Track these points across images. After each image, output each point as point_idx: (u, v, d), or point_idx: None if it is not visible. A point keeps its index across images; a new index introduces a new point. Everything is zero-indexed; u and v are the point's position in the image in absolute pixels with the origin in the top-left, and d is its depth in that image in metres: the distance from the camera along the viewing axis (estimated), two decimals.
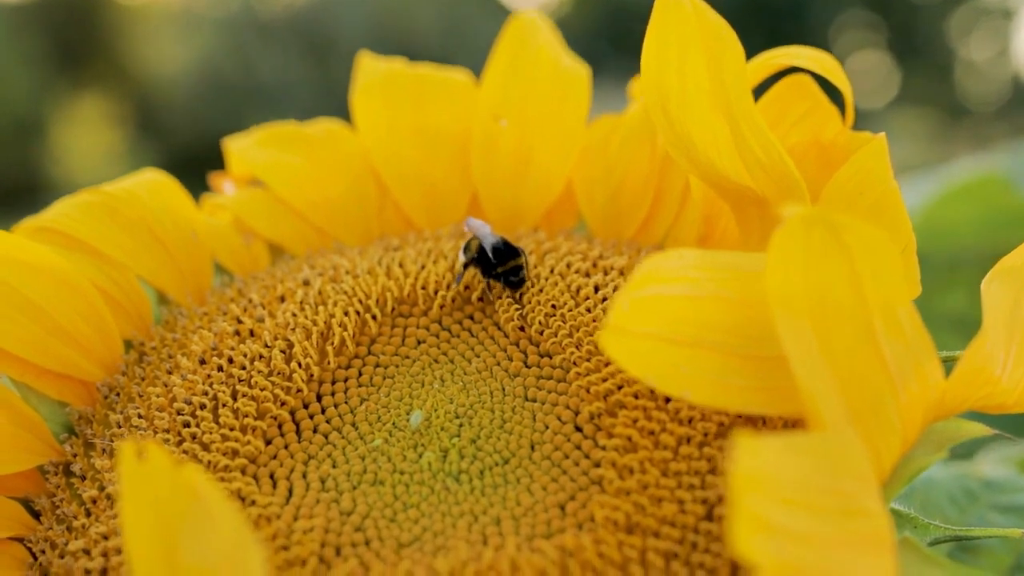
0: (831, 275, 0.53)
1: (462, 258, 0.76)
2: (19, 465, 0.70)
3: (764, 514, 0.46)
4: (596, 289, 0.74)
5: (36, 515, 0.71)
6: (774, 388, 0.57)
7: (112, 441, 0.71)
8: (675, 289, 0.56)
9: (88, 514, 0.68)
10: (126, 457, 0.48)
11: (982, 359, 0.58)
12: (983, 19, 9.86)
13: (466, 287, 0.76)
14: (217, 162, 0.94)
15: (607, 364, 0.68)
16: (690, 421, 0.65)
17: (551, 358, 0.72)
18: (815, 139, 0.74)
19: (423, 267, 0.78)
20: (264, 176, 0.86)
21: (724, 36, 0.65)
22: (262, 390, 0.70)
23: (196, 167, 1.16)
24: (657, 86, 0.69)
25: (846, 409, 0.54)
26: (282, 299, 0.76)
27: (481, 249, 0.75)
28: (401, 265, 0.78)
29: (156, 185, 0.83)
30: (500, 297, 0.75)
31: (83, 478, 0.70)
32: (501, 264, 0.74)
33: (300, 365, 0.71)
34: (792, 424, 0.64)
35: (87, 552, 0.66)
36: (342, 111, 0.92)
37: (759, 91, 0.75)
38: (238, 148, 0.88)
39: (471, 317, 0.76)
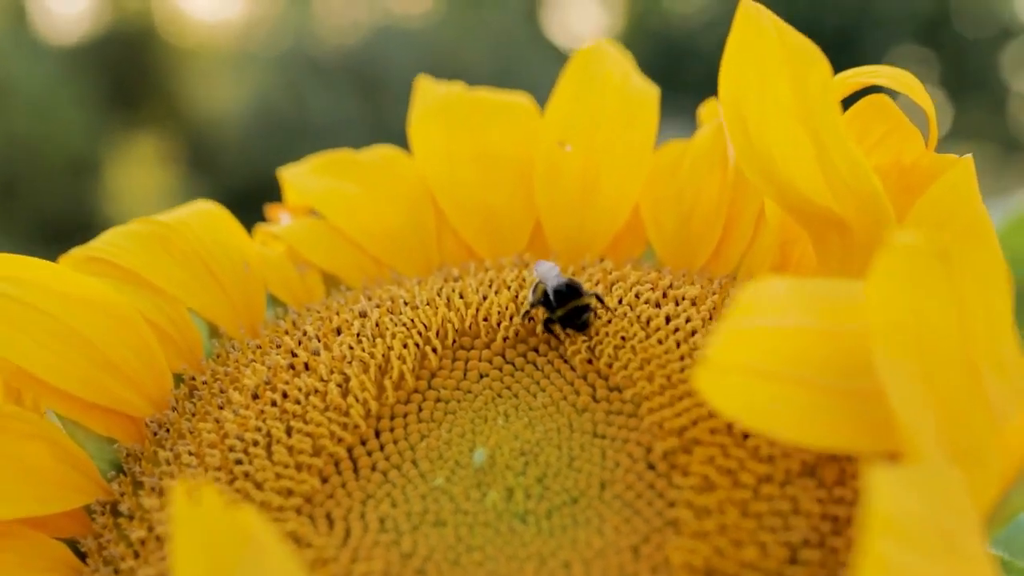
0: (939, 306, 0.50)
1: (531, 299, 0.73)
2: (65, 504, 0.67)
3: (890, 556, 0.43)
4: (667, 320, 0.70)
5: (82, 556, 0.68)
6: (864, 423, 0.53)
7: (161, 479, 0.68)
8: (769, 321, 0.53)
9: (136, 556, 0.65)
10: (178, 497, 0.45)
11: None
12: None
13: (530, 319, 0.73)
14: (271, 199, 0.91)
15: (681, 399, 0.65)
16: (771, 459, 0.61)
17: (621, 392, 0.68)
18: (896, 161, 0.70)
19: (485, 298, 0.74)
20: (318, 204, 0.83)
21: (809, 51, 0.62)
22: (318, 426, 0.67)
23: (249, 205, 1.14)
24: (736, 102, 0.66)
25: (947, 445, 0.50)
26: (338, 331, 0.73)
27: (545, 292, 0.72)
28: (462, 296, 0.75)
29: (208, 216, 0.80)
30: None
31: (131, 518, 0.67)
32: (561, 306, 0.70)
33: (357, 400, 0.68)
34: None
35: None
36: None
37: None
38: (292, 176, 0.86)
39: (536, 350, 0.72)
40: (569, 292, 0.71)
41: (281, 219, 0.86)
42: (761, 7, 0.65)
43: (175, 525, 0.45)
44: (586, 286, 0.73)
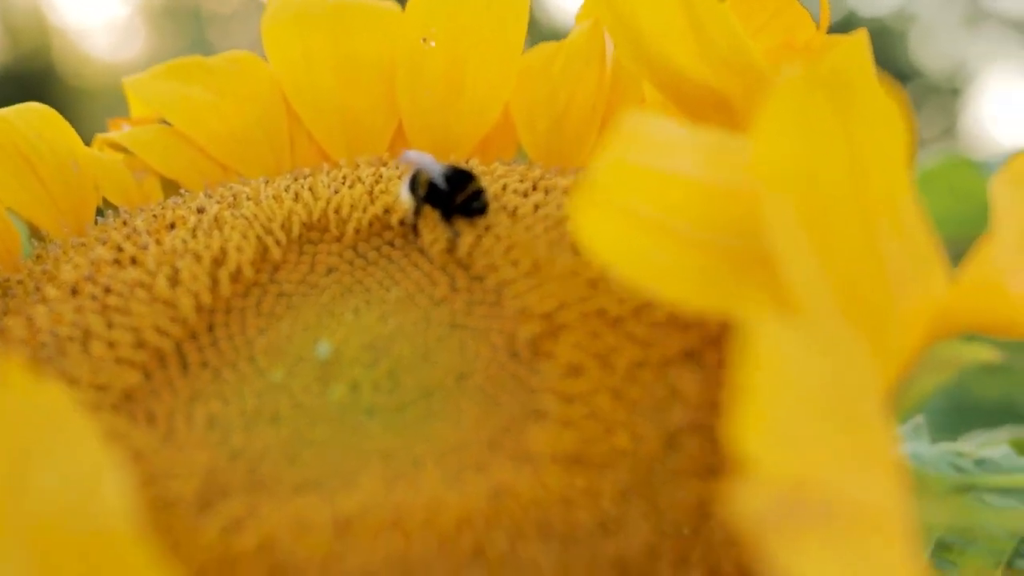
0: (830, 149, 0.44)
1: (408, 197, 0.65)
2: None
3: (780, 421, 0.36)
4: (536, 208, 0.63)
5: None
6: (749, 288, 0.47)
7: None
8: (659, 163, 0.46)
9: None
10: None
11: (991, 268, 0.48)
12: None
13: (385, 211, 0.66)
14: None
15: (547, 283, 0.58)
16: (647, 343, 0.55)
17: (483, 280, 0.61)
18: (787, 43, 0.65)
19: (336, 192, 0.67)
20: (163, 109, 0.77)
21: None
22: (141, 319, 0.60)
23: None
24: None
25: (842, 308, 0.44)
26: (171, 226, 0.66)
27: (431, 184, 0.64)
28: (311, 190, 0.68)
29: (34, 113, 0.73)
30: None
31: None
32: (459, 192, 0.63)
33: (189, 292, 0.61)
34: None
35: None
36: None
37: None
38: (137, 83, 0.79)
39: (391, 244, 0.65)
40: (460, 176, 0.64)
41: (123, 128, 0.80)
42: None
43: None
44: None
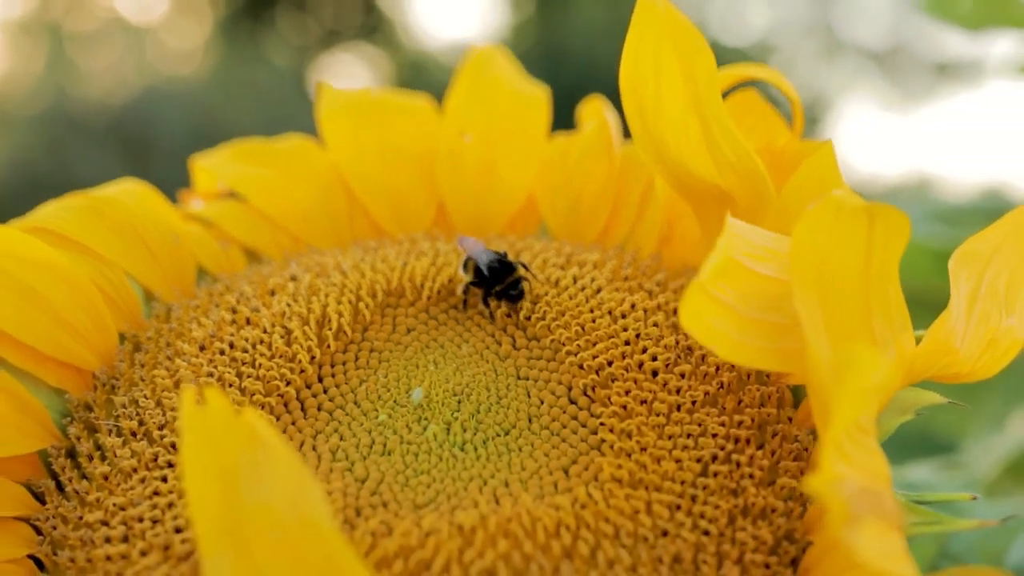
0: (851, 251, 0.60)
1: (463, 276, 0.80)
2: (21, 448, 0.72)
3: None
4: (575, 280, 0.79)
5: (37, 498, 0.72)
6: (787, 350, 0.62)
7: (119, 421, 0.73)
8: (751, 263, 0.62)
9: (101, 489, 0.70)
10: (186, 401, 0.48)
11: (945, 332, 0.65)
12: None
13: (449, 280, 0.81)
14: None
15: (595, 343, 0.74)
16: (678, 391, 0.71)
17: (539, 341, 0.77)
18: (767, 146, 0.80)
19: (405, 263, 0.82)
20: (239, 187, 0.89)
21: (695, 41, 0.71)
22: (268, 371, 0.74)
23: None
24: (634, 90, 0.75)
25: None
26: (272, 293, 0.79)
27: (478, 269, 0.79)
28: (384, 261, 0.82)
29: (138, 191, 0.86)
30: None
31: (91, 458, 0.72)
32: (498, 283, 0.78)
33: (302, 347, 0.75)
34: None
35: (106, 523, 0.68)
36: None
37: None
38: (209, 164, 0.92)
39: (456, 307, 0.81)
40: (502, 268, 0.78)
41: (193, 203, 0.92)
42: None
43: (183, 427, 0.48)
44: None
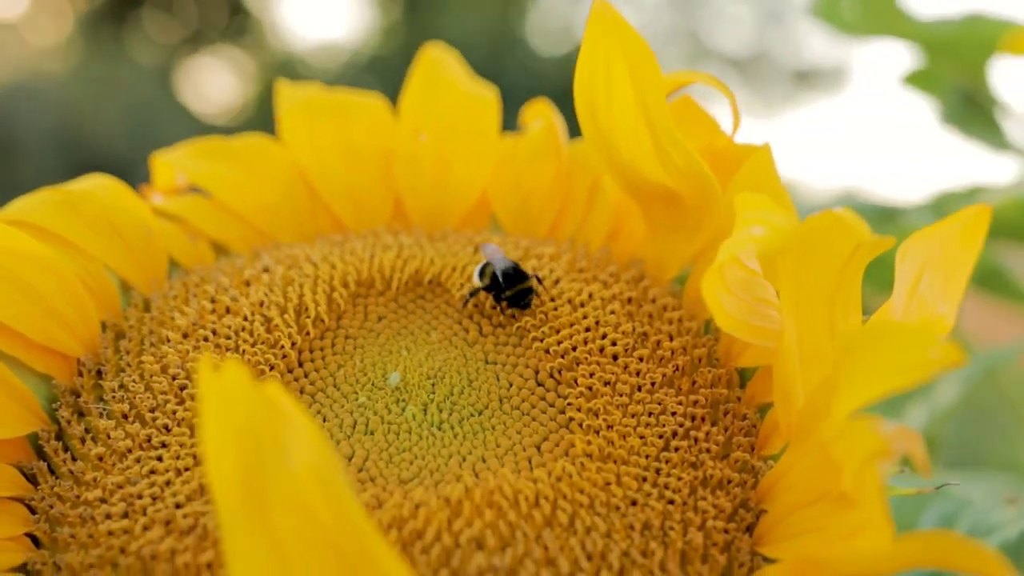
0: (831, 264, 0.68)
1: (477, 282, 0.84)
2: (11, 432, 0.74)
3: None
4: (534, 270, 0.84)
5: (28, 479, 0.75)
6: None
7: (109, 404, 0.76)
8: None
9: (96, 469, 0.73)
10: (204, 370, 0.49)
11: (890, 312, 0.71)
12: None
13: (416, 271, 0.86)
14: None
15: (559, 330, 0.80)
16: (638, 373, 0.77)
17: (504, 328, 0.82)
18: (707, 147, 0.86)
19: (372, 255, 0.86)
20: (204, 183, 0.93)
21: (642, 50, 0.76)
22: (252, 356, 0.78)
23: None
24: (587, 96, 0.80)
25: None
26: (248, 283, 0.83)
27: (495, 276, 0.82)
28: (352, 253, 0.87)
29: (110, 186, 0.88)
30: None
31: (83, 440, 0.75)
32: (510, 288, 0.82)
33: (283, 334, 0.79)
34: None
35: (104, 500, 0.71)
36: None
37: None
38: (171, 160, 0.95)
39: (423, 297, 0.86)
40: (516, 275, 0.82)
41: (153, 198, 0.95)
42: (610, 8, 0.77)
43: (203, 397, 0.49)
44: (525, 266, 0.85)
